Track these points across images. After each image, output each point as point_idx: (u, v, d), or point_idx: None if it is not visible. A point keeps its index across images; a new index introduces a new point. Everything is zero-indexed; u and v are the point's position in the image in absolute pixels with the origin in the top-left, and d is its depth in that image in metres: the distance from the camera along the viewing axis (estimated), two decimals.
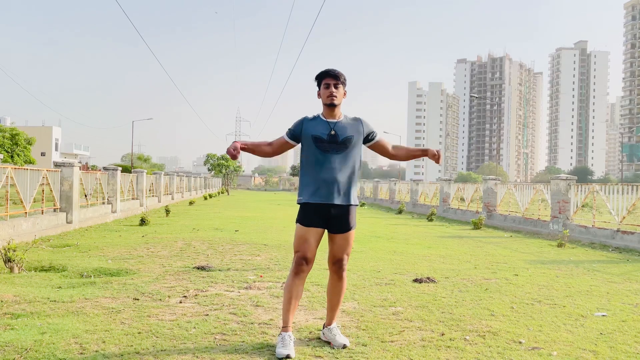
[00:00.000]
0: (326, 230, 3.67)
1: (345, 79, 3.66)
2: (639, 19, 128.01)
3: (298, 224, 3.62)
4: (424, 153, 3.84)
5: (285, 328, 3.54)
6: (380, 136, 3.81)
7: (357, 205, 3.71)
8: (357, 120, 3.69)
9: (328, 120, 3.61)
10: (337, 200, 3.55)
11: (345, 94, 3.68)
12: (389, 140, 3.86)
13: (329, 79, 3.61)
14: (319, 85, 3.67)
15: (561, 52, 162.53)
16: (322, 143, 3.55)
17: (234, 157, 3.52)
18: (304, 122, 3.65)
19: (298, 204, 3.66)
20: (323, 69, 3.68)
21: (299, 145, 3.74)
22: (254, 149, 3.69)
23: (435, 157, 3.80)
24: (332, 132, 3.56)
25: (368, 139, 3.75)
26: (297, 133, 3.65)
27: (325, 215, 3.57)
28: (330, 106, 3.61)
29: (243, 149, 3.61)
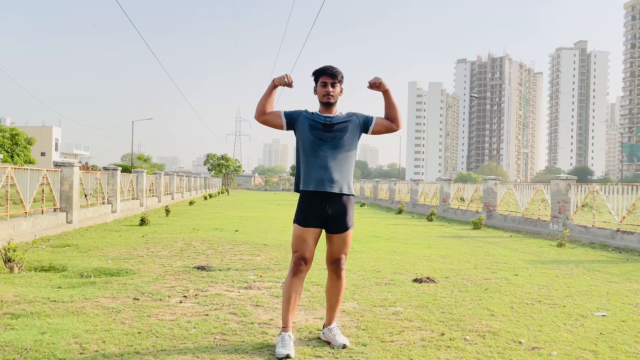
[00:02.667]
0: (324, 230, 3.67)
1: (342, 77, 3.65)
2: (639, 19, 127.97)
3: (296, 224, 3.62)
4: (373, 87, 3.66)
5: (285, 328, 3.53)
6: (376, 116, 3.72)
7: (353, 195, 3.69)
8: (352, 114, 3.69)
9: (324, 115, 3.63)
10: (332, 188, 3.53)
11: (341, 92, 3.68)
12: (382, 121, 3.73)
13: (326, 78, 3.60)
14: (315, 81, 3.67)
15: (561, 52, 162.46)
16: (317, 131, 3.56)
17: (289, 84, 3.61)
18: (302, 112, 3.66)
19: (296, 192, 3.67)
20: (321, 66, 3.67)
21: (294, 140, 3.75)
22: (271, 99, 3.67)
23: (375, 83, 3.63)
24: (328, 126, 3.56)
25: (368, 126, 3.66)
26: (292, 118, 3.64)
27: (323, 213, 3.56)
28: (327, 105, 3.62)
29: (275, 88, 3.65)
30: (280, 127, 3.66)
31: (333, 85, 3.59)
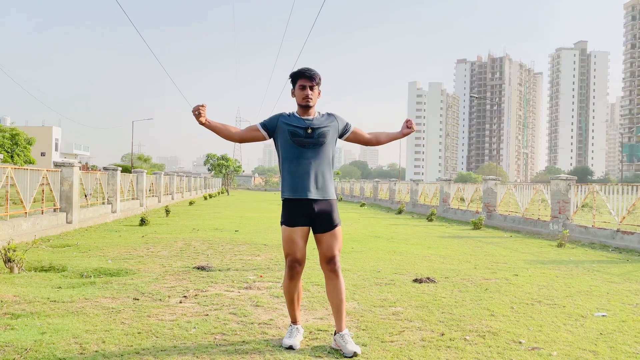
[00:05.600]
0: (311, 233, 3.65)
1: (320, 79, 3.62)
2: (639, 19, 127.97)
3: (283, 225, 3.60)
4: (401, 134, 3.83)
5: (293, 322, 3.71)
6: (355, 126, 3.82)
7: (336, 199, 3.71)
8: (331, 116, 3.70)
9: (303, 117, 3.61)
10: (316, 195, 3.56)
11: (319, 94, 3.67)
12: (364, 129, 3.96)
13: (304, 81, 3.57)
14: (293, 84, 3.63)
15: (561, 52, 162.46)
16: (298, 138, 3.56)
17: (197, 117, 3.47)
18: (279, 118, 3.64)
19: (282, 198, 3.66)
20: (298, 69, 3.61)
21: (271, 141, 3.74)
22: (219, 127, 3.61)
23: (409, 128, 3.77)
24: (309, 130, 3.56)
25: (344, 131, 3.76)
26: (271, 127, 3.63)
27: (309, 213, 3.56)
28: (305, 107, 3.60)
29: (207, 124, 3.53)
30: (263, 139, 3.69)
31: (312, 88, 3.57)
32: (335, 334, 3.60)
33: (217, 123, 3.61)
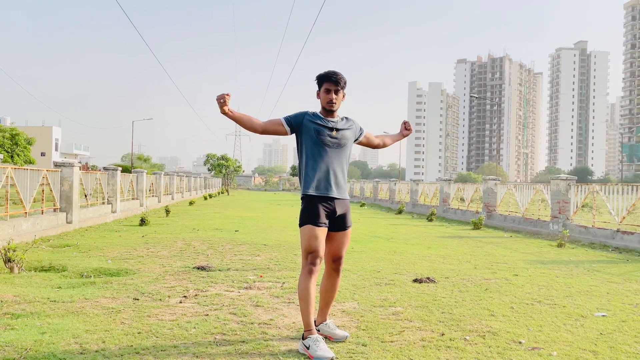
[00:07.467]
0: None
1: (345, 83, 3.70)
2: (639, 19, 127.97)
3: (309, 225, 3.60)
4: (401, 135, 4.16)
5: (311, 331, 3.53)
6: (366, 130, 4.01)
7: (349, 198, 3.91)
8: (350, 120, 3.84)
9: (327, 118, 3.70)
10: (336, 194, 3.68)
11: (344, 97, 3.76)
12: (373, 132, 4.17)
13: (329, 84, 3.65)
14: (319, 86, 3.72)
15: (561, 52, 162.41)
16: (324, 136, 3.65)
17: (221, 105, 3.45)
18: (305, 115, 3.70)
19: (303, 195, 3.69)
20: (325, 71, 3.70)
21: (294, 140, 3.82)
22: (242, 118, 3.60)
23: (407, 130, 4.12)
24: (334, 131, 3.67)
25: (359, 135, 3.93)
26: (296, 123, 3.68)
27: (330, 213, 3.66)
28: (329, 111, 3.70)
29: (230, 114, 3.52)
30: (284, 134, 3.73)
31: (336, 92, 3.66)
32: (317, 324, 3.84)
33: (240, 114, 3.62)
